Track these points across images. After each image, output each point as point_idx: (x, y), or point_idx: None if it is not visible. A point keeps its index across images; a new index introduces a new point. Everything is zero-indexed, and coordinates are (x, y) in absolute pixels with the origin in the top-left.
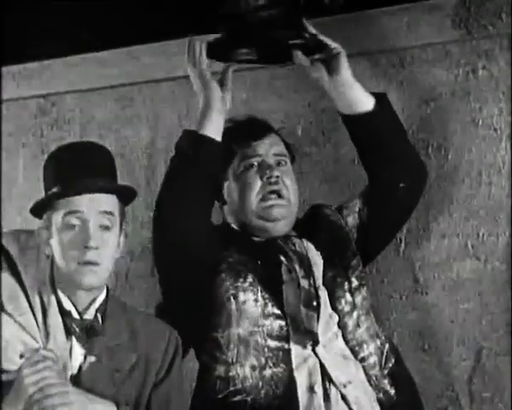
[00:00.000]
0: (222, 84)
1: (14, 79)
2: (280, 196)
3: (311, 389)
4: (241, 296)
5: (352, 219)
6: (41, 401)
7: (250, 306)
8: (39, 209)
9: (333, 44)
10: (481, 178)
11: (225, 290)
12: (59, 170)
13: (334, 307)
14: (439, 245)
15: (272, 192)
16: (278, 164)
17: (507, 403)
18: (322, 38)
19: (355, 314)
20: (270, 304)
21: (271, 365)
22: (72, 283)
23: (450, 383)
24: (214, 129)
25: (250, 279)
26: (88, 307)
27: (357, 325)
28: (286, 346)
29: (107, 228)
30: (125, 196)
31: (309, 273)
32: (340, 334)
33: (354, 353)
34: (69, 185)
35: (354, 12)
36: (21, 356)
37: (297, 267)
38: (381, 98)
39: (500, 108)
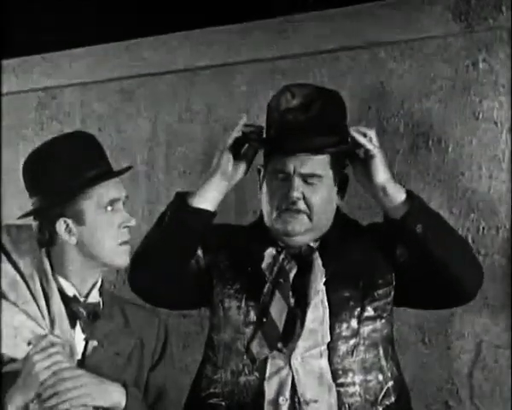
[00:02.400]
0: (243, 156)
1: (15, 72)
2: (299, 211)
3: (275, 401)
4: (226, 303)
5: (400, 249)
6: (54, 385)
7: (233, 313)
8: (60, 201)
9: (368, 145)
10: (481, 172)
11: (216, 295)
12: (78, 160)
13: (331, 327)
14: None
15: (289, 209)
16: (306, 181)
17: (507, 396)
18: (357, 137)
19: (352, 342)
20: (252, 312)
21: (247, 372)
22: (105, 265)
23: (450, 377)
24: (207, 199)
25: (237, 286)
26: (91, 291)
27: (350, 353)
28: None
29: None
30: None
31: (287, 294)
32: (326, 354)
33: (334, 376)
34: (96, 174)
35: (354, 4)
36: (29, 343)
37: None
38: (414, 203)
39: (500, 102)
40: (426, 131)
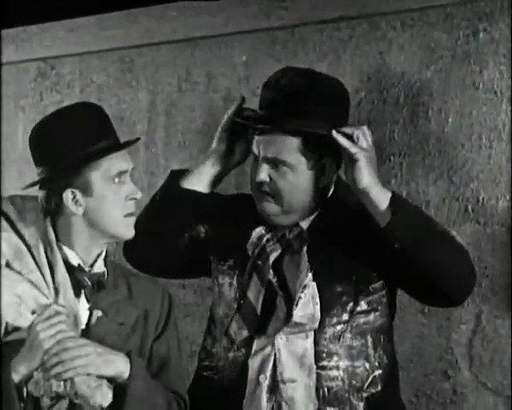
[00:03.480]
0: (241, 139)
1: (14, 42)
2: (267, 193)
3: (256, 379)
4: (220, 279)
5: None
6: (59, 354)
7: (226, 289)
8: (67, 170)
9: (351, 149)
10: (481, 142)
11: (213, 271)
12: (86, 131)
13: (321, 321)
14: (439, 209)
15: (258, 190)
16: (275, 166)
17: (506, 366)
18: (339, 139)
19: (339, 328)
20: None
21: (236, 348)
22: (111, 237)
23: (449, 347)
24: (200, 181)
25: (230, 263)
26: (96, 261)
27: (337, 338)
28: None
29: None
30: None
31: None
32: (312, 335)
33: (317, 358)
34: (104, 145)
35: None
36: (33, 312)
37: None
38: (397, 213)
39: (501, 71)
40: (426, 102)
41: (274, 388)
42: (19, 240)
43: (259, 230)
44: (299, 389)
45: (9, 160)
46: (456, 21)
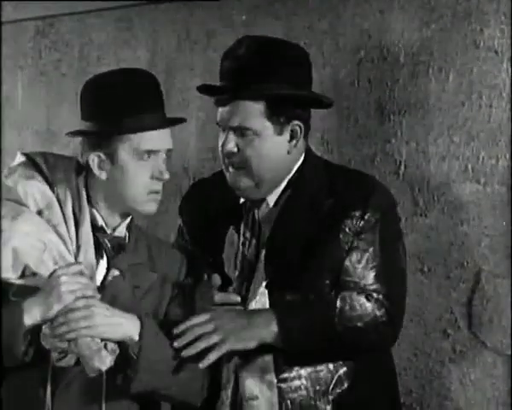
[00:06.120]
0: None
1: (13, 1)
2: (237, 166)
3: (221, 396)
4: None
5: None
6: (65, 313)
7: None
8: (95, 135)
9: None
10: (482, 101)
11: None
12: (127, 100)
13: None
14: (438, 168)
15: (229, 164)
16: (243, 135)
17: (506, 325)
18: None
19: None
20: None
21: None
22: (131, 209)
23: (449, 306)
24: None
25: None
26: (119, 225)
27: None
28: None
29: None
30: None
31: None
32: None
33: (278, 371)
34: (142, 120)
35: None
36: (55, 263)
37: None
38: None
39: (501, 30)
40: (426, 60)
41: (237, 406)
42: (51, 193)
43: (230, 234)
44: (262, 406)
45: (9, 119)
46: None
